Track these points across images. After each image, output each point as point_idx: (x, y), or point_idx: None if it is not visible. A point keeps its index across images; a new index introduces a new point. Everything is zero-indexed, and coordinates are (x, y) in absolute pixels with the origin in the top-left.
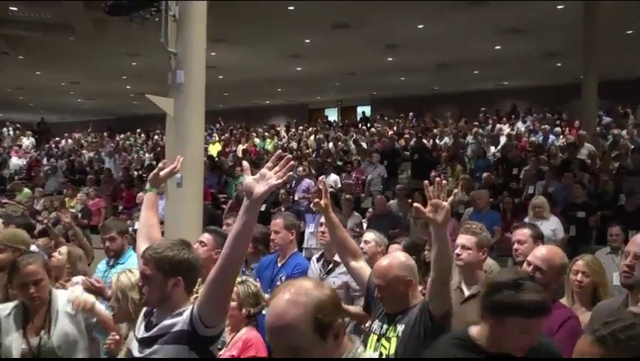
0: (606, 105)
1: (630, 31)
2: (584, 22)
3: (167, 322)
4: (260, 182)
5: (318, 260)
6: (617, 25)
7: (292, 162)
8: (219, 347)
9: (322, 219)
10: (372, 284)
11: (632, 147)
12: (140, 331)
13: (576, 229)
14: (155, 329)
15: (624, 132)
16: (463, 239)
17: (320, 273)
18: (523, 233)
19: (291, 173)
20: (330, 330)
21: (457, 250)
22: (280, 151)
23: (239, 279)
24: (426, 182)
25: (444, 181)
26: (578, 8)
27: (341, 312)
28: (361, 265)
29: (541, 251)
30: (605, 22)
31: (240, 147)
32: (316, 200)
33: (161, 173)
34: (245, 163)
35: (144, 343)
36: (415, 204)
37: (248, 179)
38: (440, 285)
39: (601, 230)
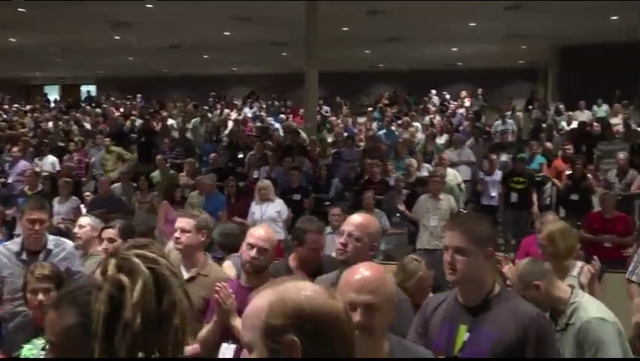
0: (326, 95)
1: (346, 29)
2: (306, 15)
3: None
4: None
5: None
6: (335, 21)
7: None
8: None
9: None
10: None
11: (346, 134)
12: None
13: (292, 210)
14: None
15: (339, 121)
16: (182, 222)
17: None
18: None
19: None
20: None
21: (177, 234)
22: None
23: None
24: None
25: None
26: (303, 3)
27: None
28: None
29: (259, 232)
30: (326, 17)
31: None
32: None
33: None
34: None
35: None
36: None
37: None
38: None
39: (315, 212)
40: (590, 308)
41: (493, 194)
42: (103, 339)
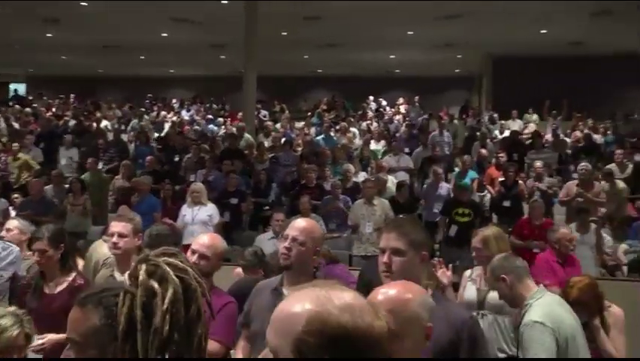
0: (264, 99)
1: (285, 33)
2: (246, 19)
3: None
4: None
5: None
6: (274, 25)
7: None
8: None
9: None
10: None
11: (284, 139)
12: None
13: (230, 214)
14: None
15: (279, 125)
16: (118, 227)
17: None
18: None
19: None
20: None
21: (114, 239)
22: None
23: None
24: None
25: None
26: (242, 5)
27: None
28: None
29: (203, 239)
30: (265, 21)
31: None
32: None
33: None
34: None
35: None
36: None
37: None
38: None
39: (255, 216)
40: (534, 311)
41: (436, 210)
42: (134, 343)
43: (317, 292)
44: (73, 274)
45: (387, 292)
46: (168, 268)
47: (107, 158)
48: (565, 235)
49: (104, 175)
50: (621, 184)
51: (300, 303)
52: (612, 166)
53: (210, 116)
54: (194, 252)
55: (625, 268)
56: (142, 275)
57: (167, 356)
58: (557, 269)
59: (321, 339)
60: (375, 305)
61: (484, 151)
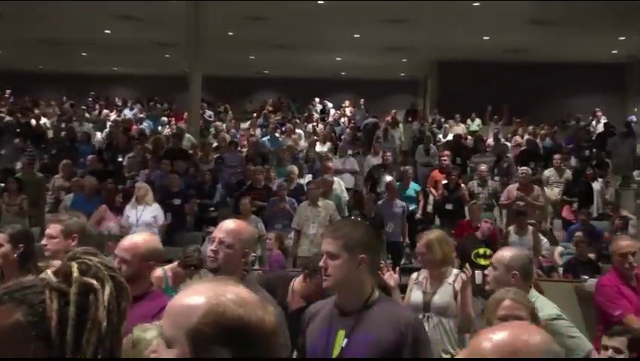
0: (210, 99)
1: (231, 33)
2: (191, 17)
3: None
4: None
5: None
6: (220, 25)
7: None
8: None
9: None
10: None
11: (230, 140)
12: None
13: (172, 215)
14: None
15: (224, 126)
16: (49, 229)
17: None
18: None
19: None
20: None
21: (44, 241)
22: None
23: None
24: None
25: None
26: (188, 4)
27: None
28: None
29: (123, 242)
30: (211, 20)
31: None
32: None
33: None
34: None
35: None
36: None
37: None
38: None
39: (199, 217)
40: (546, 306)
41: (389, 230)
42: (63, 341)
43: (213, 286)
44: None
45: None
46: (100, 266)
47: (47, 157)
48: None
49: (38, 175)
50: (553, 193)
51: (197, 295)
52: (550, 171)
53: (155, 116)
54: (115, 256)
55: (560, 270)
56: (75, 272)
57: (99, 355)
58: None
59: (216, 329)
60: None
61: (432, 152)
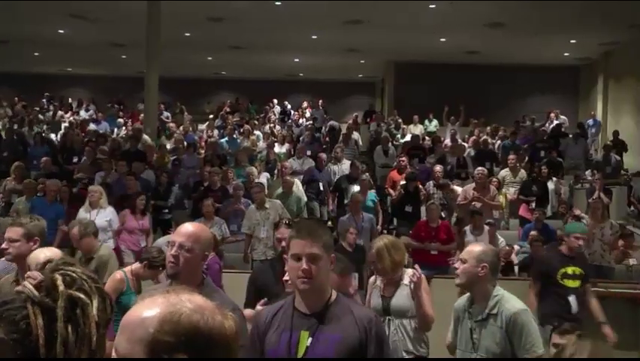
0: (167, 100)
1: (188, 34)
2: (148, 18)
3: None
4: None
5: None
6: (177, 26)
7: None
8: None
9: None
10: None
11: (187, 141)
12: None
13: None
14: None
15: (181, 128)
16: (10, 232)
17: None
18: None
19: None
20: None
21: (4, 245)
22: None
23: None
24: None
25: None
26: (145, 4)
27: None
28: None
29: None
30: (168, 21)
31: None
32: None
33: None
34: None
35: None
36: None
37: None
38: None
39: (155, 219)
40: (513, 300)
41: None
42: (61, 357)
43: (167, 295)
44: None
45: None
46: (85, 278)
47: None
48: None
49: None
50: (509, 192)
51: (151, 307)
52: (506, 171)
53: (111, 117)
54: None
55: (516, 268)
56: (61, 286)
57: None
58: None
59: (175, 337)
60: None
61: (389, 154)
